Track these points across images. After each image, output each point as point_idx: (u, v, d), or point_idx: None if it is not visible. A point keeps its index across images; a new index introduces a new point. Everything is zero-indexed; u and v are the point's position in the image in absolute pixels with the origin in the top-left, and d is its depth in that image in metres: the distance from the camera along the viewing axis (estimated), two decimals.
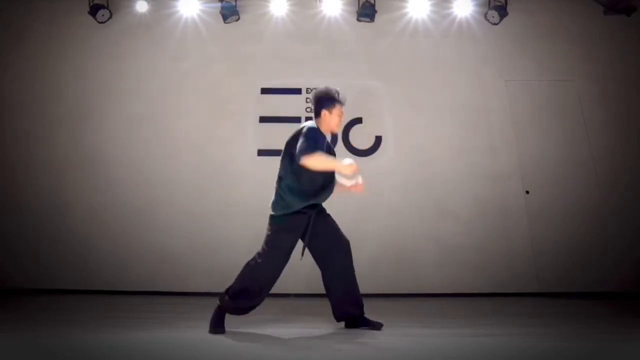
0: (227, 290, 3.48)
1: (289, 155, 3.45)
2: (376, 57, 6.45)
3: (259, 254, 3.46)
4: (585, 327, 3.93)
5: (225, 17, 6.34)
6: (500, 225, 6.01)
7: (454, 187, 6.11)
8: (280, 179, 3.53)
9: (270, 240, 3.46)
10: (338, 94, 3.55)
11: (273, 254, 3.44)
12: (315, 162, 3.29)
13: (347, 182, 3.52)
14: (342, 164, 3.29)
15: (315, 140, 3.35)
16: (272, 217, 3.52)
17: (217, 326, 3.44)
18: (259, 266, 3.42)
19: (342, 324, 3.67)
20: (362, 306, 3.63)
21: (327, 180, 3.48)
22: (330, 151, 3.53)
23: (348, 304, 3.59)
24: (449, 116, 6.29)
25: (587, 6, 6.40)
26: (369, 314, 3.67)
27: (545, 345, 3.18)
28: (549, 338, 3.41)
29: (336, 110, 3.52)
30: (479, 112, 6.31)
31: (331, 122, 3.53)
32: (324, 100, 3.53)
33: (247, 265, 3.47)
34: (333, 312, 3.63)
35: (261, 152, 6.23)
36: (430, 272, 5.86)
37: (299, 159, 3.29)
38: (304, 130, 3.43)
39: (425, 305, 5.17)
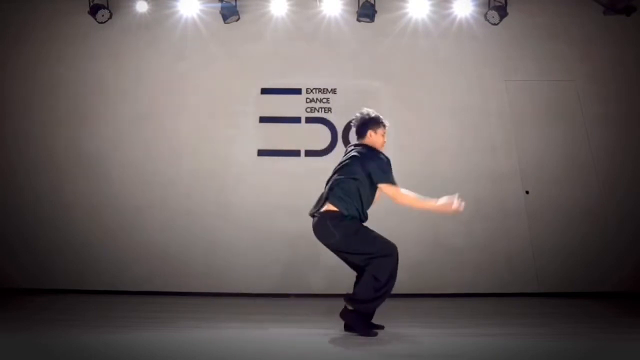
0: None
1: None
2: (376, 57, 6.45)
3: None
4: (585, 327, 3.93)
5: (225, 17, 6.34)
6: (500, 225, 6.01)
7: (454, 187, 6.07)
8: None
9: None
10: (380, 116, 3.77)
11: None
12: (408, 199, 3.80)
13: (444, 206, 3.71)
14: (438, 205, 3.68)
15: (390, 172, 3.74)
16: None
17: (372, 327, 3.49)
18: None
19: (341, 324, 3.66)
20: None
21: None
22: None
23: None
24: (449, 116, 6.28)
25: (587, 6, 6.40)
26: None
27: (545, 345, 3.17)
28: (549, 338, 3.40)
29: (381, 130, 3.73)
30: (479, 112, 6.30)
31: (377, 141, 3.74)
32: (370, 122, 3.73)
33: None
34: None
35: (261, 152, 6.23)
36: (430, 272, 5.86)
37: (392, 195, 3.74)
38: (370, 154, 3.68)
39: (425, 305, 5.17)
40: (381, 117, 3.74)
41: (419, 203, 3.64)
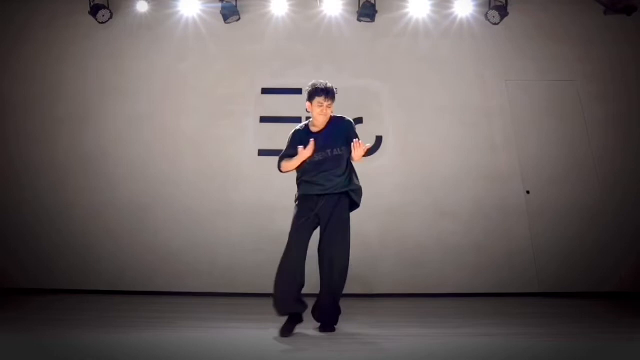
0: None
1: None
2: (376, 57, 6.45)
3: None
4: (585, 327, 3.93)
5: (225, 17, 6.35)
6: (500, 225, 6.01)
7: (454, 187, 6.12)
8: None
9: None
10: (318, 86, 3.68)
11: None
12: (284, 169, 3.68)
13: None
14: (300, 154, 3.53)
15: (284, 151, 3.71)
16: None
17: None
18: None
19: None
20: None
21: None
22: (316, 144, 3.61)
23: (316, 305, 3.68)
24: (449, 116, 6.29)
25: (587, 6, 6.41)
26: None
27: (545, 345, 3.18)
28: (549, 338, 3.40)
29: (315, 102, 3.66)
30: (479, 112, 6.31)
31: (313, 114, 3.72)
32: (308, 93, 3.74)
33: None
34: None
35: (262, 152, 6.23)
36: (430, 272, 5.86)
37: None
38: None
39: (425, 305, 5.17)
40: (317, 85, 3.67)
41: (291, 163, 3.61)
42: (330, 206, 3.58)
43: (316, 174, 3.59)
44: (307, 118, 6.32)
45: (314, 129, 3.71)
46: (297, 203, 3.67)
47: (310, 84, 3.74)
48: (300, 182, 3.69)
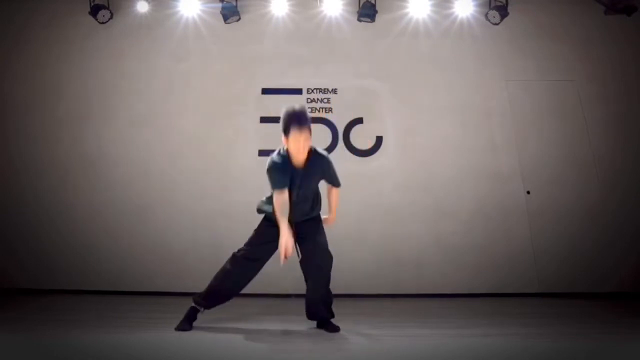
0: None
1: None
2: (376, 57, 6.45)
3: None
4: (585, 327, 3.93)
5: (225, 18, 6.35)
6: (500, 225, 6.01)
7: (454, 187, 6.11)
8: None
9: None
10: (292, 117, 3.41)
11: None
12: (276, 205, 3.45)
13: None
14: (284, 233, 3.39)
15: (274, 178, 3.49)
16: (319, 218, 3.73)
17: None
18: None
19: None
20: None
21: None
22: (294, 182, 3.54)
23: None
24: (449, 116, 6.29)
25: (587, 6, 6.40)
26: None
27: (545, 345, 3.18)
28: (549, 338, 3.41)
29: (290, 136, 3.40)
30: (479, 112, 6.31)
31: (290, 150, 3.47)
32: (282, 127, 3.47)
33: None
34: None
35: (262, 153, 6.21)
36: (430, 272, 5.86)
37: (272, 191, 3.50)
38: (267, 165, 3.56)
39: (425, 305, 5.17)
40: (291, 116, 3.39)
41: (278, 214, 3.47)
42: (305, 227, 3.63)
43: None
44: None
45: (294, 163, 3.53)
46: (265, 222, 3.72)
47: (283, 112, 3.46)
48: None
